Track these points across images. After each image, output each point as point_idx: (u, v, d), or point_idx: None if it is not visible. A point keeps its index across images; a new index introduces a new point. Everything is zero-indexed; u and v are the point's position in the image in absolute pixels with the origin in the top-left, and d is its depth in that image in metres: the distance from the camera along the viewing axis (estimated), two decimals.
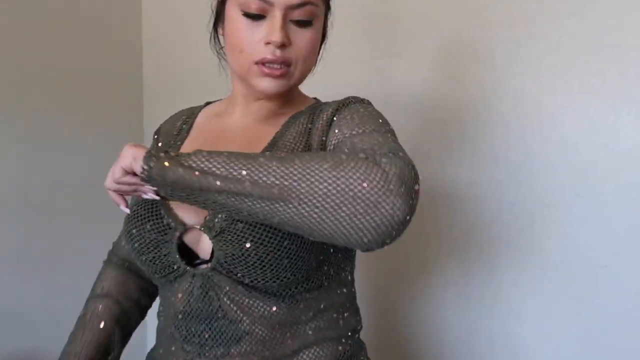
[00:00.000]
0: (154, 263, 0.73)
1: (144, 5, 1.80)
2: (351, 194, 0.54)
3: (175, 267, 0.72)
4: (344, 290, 0.79)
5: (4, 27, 1.41)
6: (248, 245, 0.65)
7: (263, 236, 0.65)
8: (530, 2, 1.08)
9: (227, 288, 0.70)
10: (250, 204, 0.57)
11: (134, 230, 0.73)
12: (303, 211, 0.56)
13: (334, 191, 0.55)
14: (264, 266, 0.66)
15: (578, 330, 1.06)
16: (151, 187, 0.61)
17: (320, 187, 0.55)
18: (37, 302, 1.49)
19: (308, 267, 0.69)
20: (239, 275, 0.68)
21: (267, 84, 0.73)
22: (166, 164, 0.59)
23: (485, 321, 1.17)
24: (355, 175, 0.55)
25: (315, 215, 0.55)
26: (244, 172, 0.57)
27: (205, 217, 0.70)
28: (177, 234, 0.71)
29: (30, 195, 1.48)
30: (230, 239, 0.67)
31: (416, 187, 0.57)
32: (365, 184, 0.54)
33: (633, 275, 0.99)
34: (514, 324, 1.14)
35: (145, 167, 0.60)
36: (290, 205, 0.56)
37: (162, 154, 0.60)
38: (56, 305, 1.52)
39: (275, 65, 0.71)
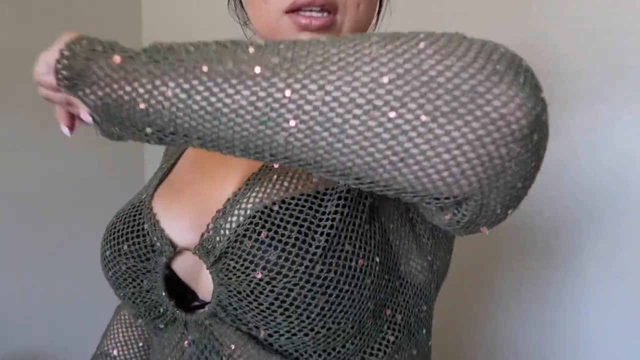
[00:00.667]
0: (133, 302, 0.52)
1: (144, 5, 1.80)
2: (425, 79, 0.30)
3: (161, 310, 0.51)
4: (414, 351, 0.51)
5: (3, 27, 1.41)
6: (259, 275, 0.43)
7: (282, 260, 0.42)
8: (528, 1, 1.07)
9: (233, 347, 0.46)
10: (221, 97, 0.33)
11: (107, 252, 0.53)
12: (328, 109, 0.31)
13: (392, 76, 0.30)
14: (287, 309, 0.42)
15: None
16: (83, 104, 0.38)
17: (365, 69, 0.31)
18: (37, 303, 1.49)
19: (360, 311, 0.44)
20: (250, 324, 0.46)
21: None
22: (99, 47, 0.37)
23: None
24: (431, 48, 0.30)
25: (355, 122, 0.31)
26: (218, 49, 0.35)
27: (203, 234, 0.48)
28: (164, 259, 0.49)
29: (30, 196, 1.48)
30: (234, 267, 0.45)
31: (541, 93, 0.32)
32: (448, 62, 0.30)
33: None
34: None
35: (66, 53, 0.37)
36: (309, 97, 0.31)
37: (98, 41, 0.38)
38: (56, 306, 1.52)
39: (314, 12, 0.47)
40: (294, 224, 0.44)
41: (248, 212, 0.46)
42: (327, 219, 0.44)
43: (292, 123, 0.32)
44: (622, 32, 0.97)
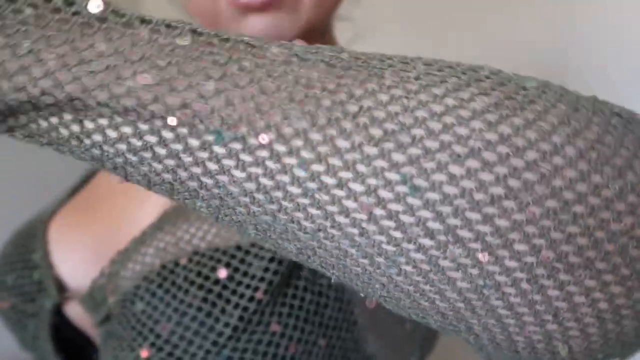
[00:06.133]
0: (25, 347, 0.43)
1: (144, 5, 1.80)
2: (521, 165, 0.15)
3: None
4: None
5: None
6: (145, 354, 0.33)
7: (175, 337, 0.32)
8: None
9: None
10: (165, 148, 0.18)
11: None
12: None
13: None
14: None
15: None
16: None
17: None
18: None
19: None
20: None
21: (252, 26, 0.33)
22: None
23: None
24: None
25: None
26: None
27: (95, 279, 0.37)
28: (48, 304, 0.38)
29: (30, 195, 1.48)
30: (121, 336, 0.34)
31: None
32: (557, 138, 0.16)
33: None
34: None
35: None
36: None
37: None
38: None
39: None
40: (200, 287, 0.33)
41: (148, 259, 0.35)
42: (248, 286, 0.32)
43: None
44: None
